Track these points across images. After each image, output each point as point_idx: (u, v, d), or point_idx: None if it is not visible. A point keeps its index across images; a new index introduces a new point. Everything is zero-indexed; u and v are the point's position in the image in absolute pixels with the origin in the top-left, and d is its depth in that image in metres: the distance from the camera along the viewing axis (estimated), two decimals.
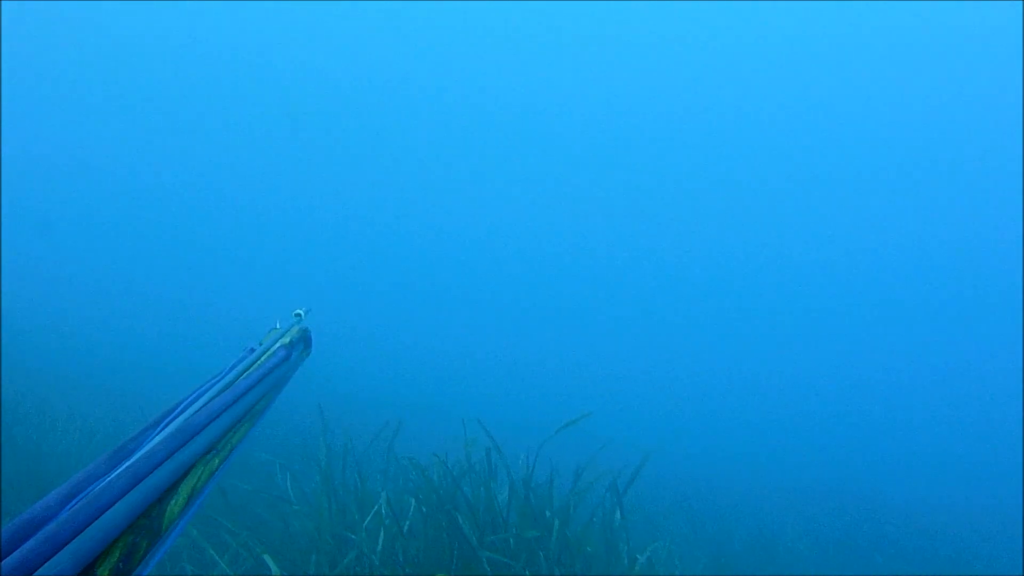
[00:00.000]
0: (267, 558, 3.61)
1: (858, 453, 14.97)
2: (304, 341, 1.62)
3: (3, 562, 0.61)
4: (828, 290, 31.01)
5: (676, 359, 23.01)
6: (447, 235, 31.64)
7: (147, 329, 17.43)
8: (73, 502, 0.73)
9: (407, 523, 4.01)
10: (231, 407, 1.10)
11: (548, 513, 4.18)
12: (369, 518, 3.97)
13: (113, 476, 0.80)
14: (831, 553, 7.82)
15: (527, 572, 3.80)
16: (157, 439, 0.92)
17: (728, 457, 12.58)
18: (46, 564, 0.63)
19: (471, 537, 3.77)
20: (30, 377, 10.07)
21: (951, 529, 9.95)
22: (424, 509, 4.00)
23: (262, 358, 1.38)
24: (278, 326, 1.62)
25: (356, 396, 11.15)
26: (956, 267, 30.45)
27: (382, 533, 3.87)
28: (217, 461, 1.02)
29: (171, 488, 0.88)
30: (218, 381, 1.19)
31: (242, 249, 27.80)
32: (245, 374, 1.27)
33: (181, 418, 1.01)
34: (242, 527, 4.05)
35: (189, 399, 1.08)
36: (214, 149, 31.82)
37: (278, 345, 1.47)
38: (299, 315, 1.71)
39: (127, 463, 0.83)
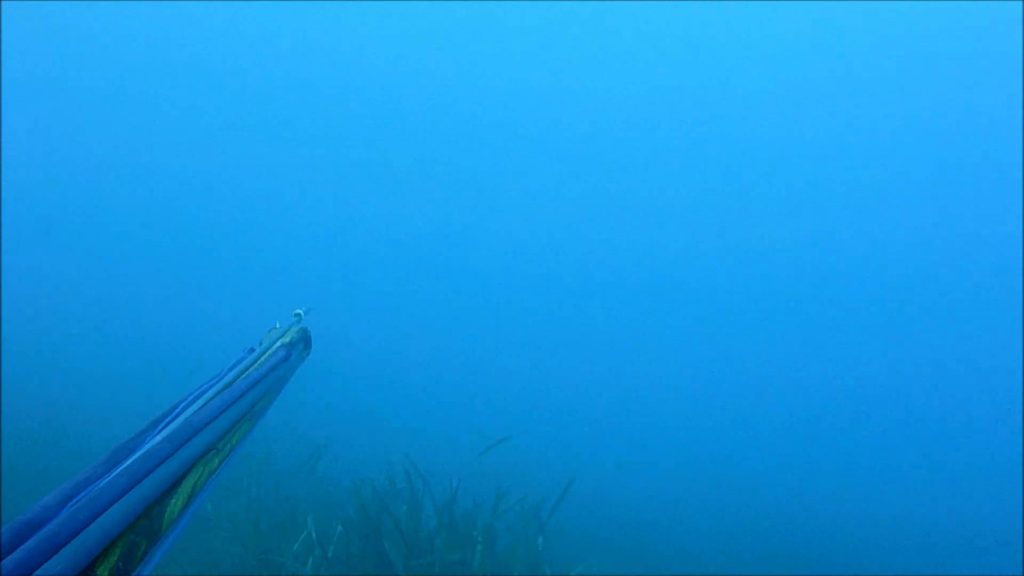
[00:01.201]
0: None
1: (782, 467, 14.40)
2: (304, 341, 1.62)
3: (3, 562, 0.61)
4: (753, 297, 29.99)
5: (599, 373, 21.82)
6: (383, 238, 30.69)
7: (147, 329, 17.42)
8: (73, 502, 0.73)
9: (331, 548, 3.90)
10: (231, 407, 1.10)
11: (475, 535, 4.11)
12: (298, 543, 3.87)
13: (113, 476, 0.80)
14: (754, 569, 7.63)
15: None
16: (157, 439, 0.92)
17: (651, 474, 12.09)
18: (46, 564, 0.63)
19: (396, 562, 3.72)
20: (29, 377, 10.07)
21: (878, 545, 9.61)
22: (351, 534, 3.90)
23: (262, 358, 1.38)
24: (278, 326, 1.62)
25: (286, 412, 10.55)
26: (935, 269, 30.20)
27: (310, 559, 3.77)
28: (217, 461, 1.02)
29: (171, 488, 0.87)
30: (218, 381, 1.19)
31: (242, 249, 27.81)
32: (245, 374, 1.27)
33: (181, 418, 1.01)
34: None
35: (189, 399, 1.08)
36: (214, 150, 31.83)
37: (278, 345, 1.48)
38: (299, 315, 1.71)
39: (127, 463, 0.83)
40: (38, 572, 0.62)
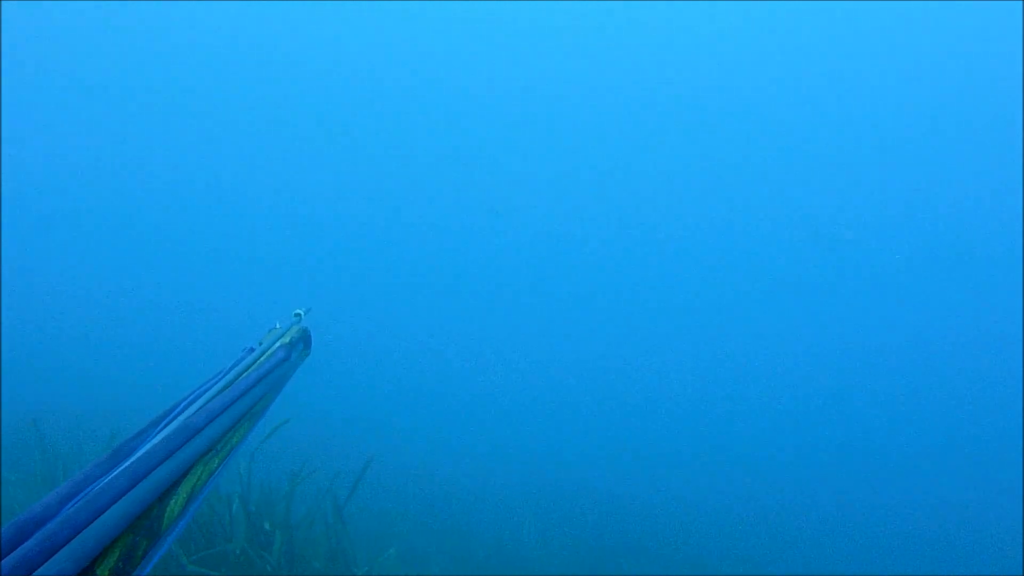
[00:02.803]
0: None
1: (607, 452, 13.46)
2: (304, 341, 1.62)
3: (3, 562, 0.61)
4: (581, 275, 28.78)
5: (413, 350, 20.10)
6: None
7: (147, 329, 17.41)
8: (73, 502, 0.73)
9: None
10: (231, 407, 1.10)
11: (267, 526, 3.93)
12: None
13: (113, 476, 0.79)
14: (576, 556, 7.36)
15: None
16: (157, 439, 0.92)
17: (474, 456, 11.39)
18: (46, 564, 0.63)
19: (180, 556, 3.63)
20: (30, 377, 10.07)
21: (703, 530, 9.33)
22: None
23: (262, 358, 1.38)
24: (278, 326, 1.62)
25: (81, 401, 9.40)
26: (933, 263, 30.09)
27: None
28: (217, 461, 1.02)
29: (171, 488, 0.87)
30: (218, 381, 1.19)
31: (242, 248, 27.82)
32: (245, 374, 1.27)
33: (181, 418, 1.01)
34: None
35: (189, 399, 1.08)
36: (214, 149, 31.85)
37: (278, 345, 1.47)
38: (299, 315, 1.71)
39: (127, 463, 0.83)
40: (38, 572, 0.62)
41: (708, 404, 20.07)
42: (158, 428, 0.97)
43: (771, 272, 29.17)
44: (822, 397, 22.04)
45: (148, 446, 0.89)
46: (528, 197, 31.42)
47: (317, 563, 4.00)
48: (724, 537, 9.09)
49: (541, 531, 7.89)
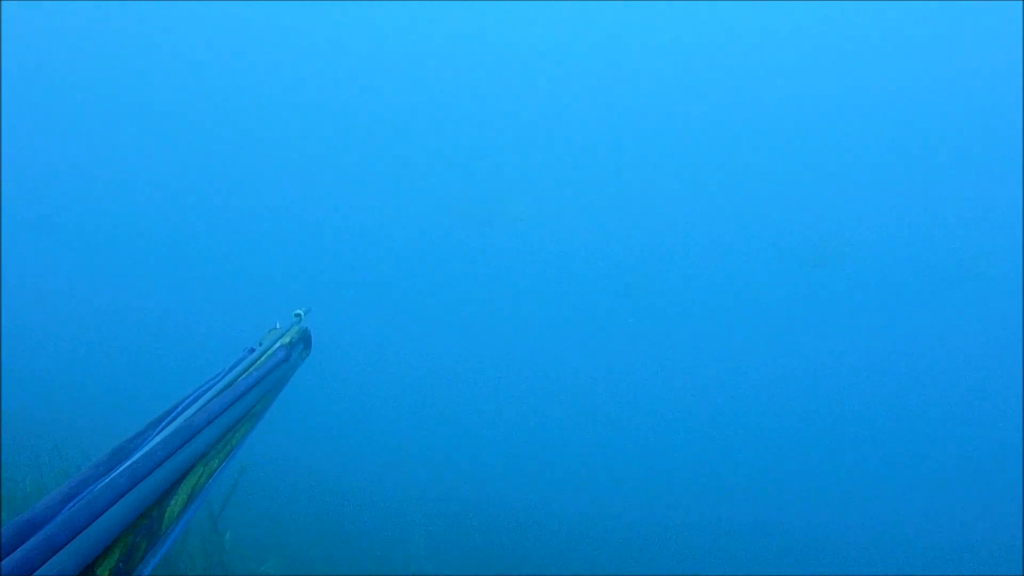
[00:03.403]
0: None
1: (510, 461, 12.85)
2: (304, 341, 1.62)
3: (3, 562, 0.61)
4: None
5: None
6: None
7: (147, 329, 17.39)
8: (73, 502, 0.73)
9: None
10: (231, 407, 1.09)
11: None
12: None
13: (113, 476, 0.79)
14: (466, 562, 7.15)
15: None
16: (157, 439, 0.92)
17: (362, 462, 10.93)
18: (46, 564, 0.63)
19: None
20: (30, 377, 10.06)
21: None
22: None
23: (262, 358, 1.37)
24: (278, 326, 1.61)
25: (72, 408, 9.04)
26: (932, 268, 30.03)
27: None
28: (217, 462, 1.02)
29: (171, 488, 0.87)
30: (218, 381, 1.18)
31: (242, 249, 27.76)
32: (245, 374, 1.26)
33: (181, 418, 1.00)
34: None
35: (189, 399, 1.07)
36: (214, 149, 31.79)
37: (278, 345, 1.47)
38: (299, 315, 1.70)
39: (127, 463, 0.83)
40: (38, 572, 0.62)
41: (647, 416, 19.14)
42: (158, 428, 0.96)
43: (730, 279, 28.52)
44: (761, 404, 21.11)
45: (148, 446, 0.89)
46: (521, 202, 31.09)
47: (193, 574, 3.91)
48: (633, 549, 8.84)
49: (430, 538, 7.66)
